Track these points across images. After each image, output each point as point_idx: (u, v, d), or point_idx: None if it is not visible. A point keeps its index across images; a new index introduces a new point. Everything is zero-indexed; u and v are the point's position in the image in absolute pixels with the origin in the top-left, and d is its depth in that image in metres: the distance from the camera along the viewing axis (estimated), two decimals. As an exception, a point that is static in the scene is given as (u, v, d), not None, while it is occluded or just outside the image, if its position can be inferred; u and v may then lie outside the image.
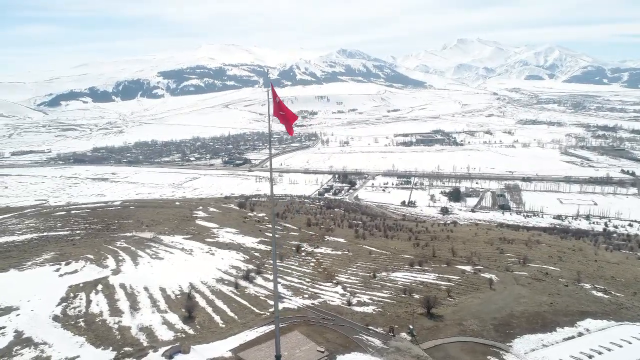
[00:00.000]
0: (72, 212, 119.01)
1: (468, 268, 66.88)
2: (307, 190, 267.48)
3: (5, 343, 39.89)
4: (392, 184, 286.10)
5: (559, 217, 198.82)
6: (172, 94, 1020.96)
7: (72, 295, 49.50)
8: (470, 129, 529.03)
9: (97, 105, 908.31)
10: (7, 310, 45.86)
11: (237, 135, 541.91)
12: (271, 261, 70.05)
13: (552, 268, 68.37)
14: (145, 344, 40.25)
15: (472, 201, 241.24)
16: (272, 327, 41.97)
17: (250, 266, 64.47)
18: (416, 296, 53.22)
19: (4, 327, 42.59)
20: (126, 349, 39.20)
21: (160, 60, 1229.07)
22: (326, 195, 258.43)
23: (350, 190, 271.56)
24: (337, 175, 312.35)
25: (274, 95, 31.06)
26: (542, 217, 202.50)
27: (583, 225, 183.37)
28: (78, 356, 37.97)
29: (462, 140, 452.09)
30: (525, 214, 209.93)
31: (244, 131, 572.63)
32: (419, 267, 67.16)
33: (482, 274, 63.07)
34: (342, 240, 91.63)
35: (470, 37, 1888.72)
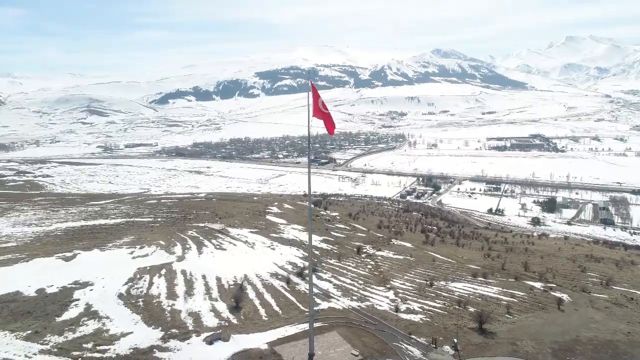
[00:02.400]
0: (162, 201, 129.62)
1: (538, 285, 61.40)
2: (388, 192, 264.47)
3: (76, 314, 44.53)
4: (480, 190, 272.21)
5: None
6: (266, 94, 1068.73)
7: (138, 276, 53.92)
8: (575, 134, 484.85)
9: (200, 103, 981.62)
10: (83, 285, 51.14)
11: (324, 134, 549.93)
12: (329, 260, 70.56)
13: (641, 293, 60.33)
14: (190, 327, 42.60)
15: (569, 213, 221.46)
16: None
17: (307, 263, 65.23)
18: (471, 309, 50.05)
19: (78, 300, 47.58)
20: (173, 330, 41.81)
21: (257, 62, 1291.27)
22: (408, 198, 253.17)
23: (434, 195, 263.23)
24: (421, 178, 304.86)
25: (315, 94, 30.59)
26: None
27: None
28: (132, 332, 41.24)
29: (563, 147, 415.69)
30: (632, 230, 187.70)
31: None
32: (482, 279, 63.08)
33: (552, 292, 57.50)
34: (408, 244, 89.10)
35: (581, 34, 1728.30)
